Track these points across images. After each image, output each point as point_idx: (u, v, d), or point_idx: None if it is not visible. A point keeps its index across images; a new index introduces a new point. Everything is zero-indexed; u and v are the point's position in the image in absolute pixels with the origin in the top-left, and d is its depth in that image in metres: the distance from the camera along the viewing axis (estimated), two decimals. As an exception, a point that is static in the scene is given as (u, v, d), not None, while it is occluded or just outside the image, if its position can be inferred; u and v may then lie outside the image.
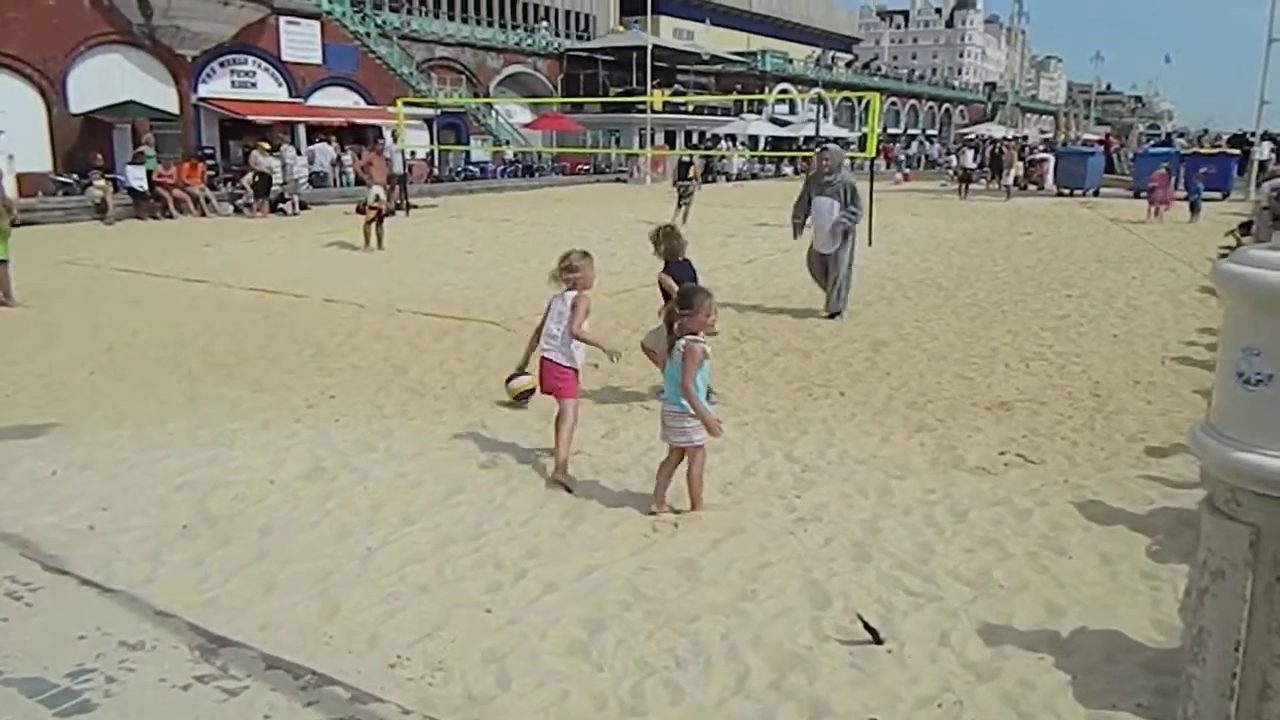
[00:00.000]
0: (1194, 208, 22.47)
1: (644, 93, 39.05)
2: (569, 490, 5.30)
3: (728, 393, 7.35)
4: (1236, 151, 32.02)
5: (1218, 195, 26.77)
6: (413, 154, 30.41)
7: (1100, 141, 44.01)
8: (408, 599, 4.03)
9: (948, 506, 5.09)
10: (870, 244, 16.57)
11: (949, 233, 19.50)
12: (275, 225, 21.16)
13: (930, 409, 6.99)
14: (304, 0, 33.42)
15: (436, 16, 43.41)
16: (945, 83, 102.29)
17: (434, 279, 13.29)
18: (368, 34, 35.97)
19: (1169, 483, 5.44)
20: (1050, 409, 6.98)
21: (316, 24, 33.63)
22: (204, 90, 30.37)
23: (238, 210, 23.88)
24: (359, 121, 34.27)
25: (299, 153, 29.08)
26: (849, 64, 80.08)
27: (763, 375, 8.02)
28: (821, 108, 50.95)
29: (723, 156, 41.77)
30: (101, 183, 22.13)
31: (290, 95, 32.90)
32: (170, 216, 22.58)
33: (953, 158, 41.55)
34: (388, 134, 31.50)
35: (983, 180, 34.12)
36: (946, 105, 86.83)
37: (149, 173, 22.81)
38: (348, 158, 30.90)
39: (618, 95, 42.40)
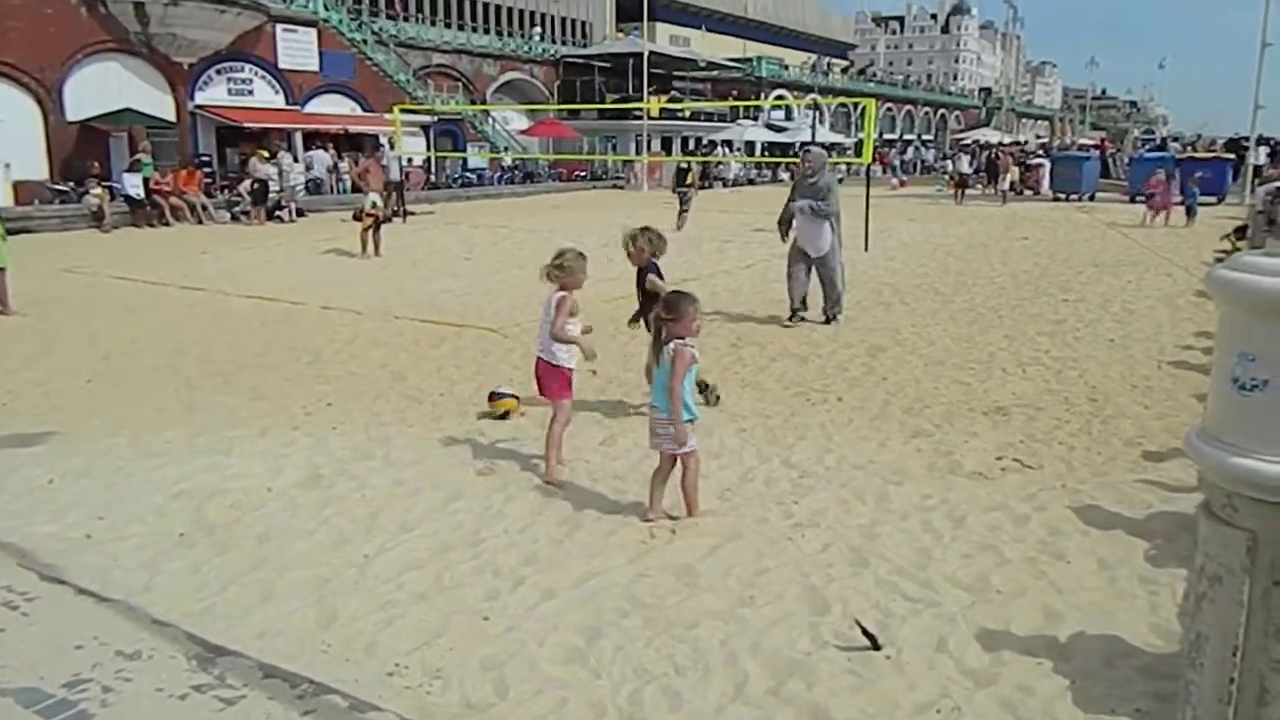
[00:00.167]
0: (1189, 212, 22.56)
1: (640, 99, 39.13)
2: (559, 486, 5.37)
3: (725, 398, 7.36)
4: (1231, 156, 32.12)
5: (1213, 199, 26.86)
6: (410, 161, 30.43)
7: (1095, 146, 44.16)
8: (406, 606, 4.02)
9: (945, 512, 5.09)
10: (866, 250, 16.61)
11: (945, 238, 19.53)
12: (272, 233, 21.17)
13: (927, 414, 7.00)
14: (301, 8, 33.48)
15: (433, 24, 43.46)
16: (940, 88, 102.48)
17: (431, 286, 13.29)
18: (364, 41, 36.01)
19: (1166, 487, 5.44)
20: (1047, 414, 6.99)
21: (313, 31, 33.66)
22: (201, 98, 30.38)
23: (235, 218, 23.91)
24: (356, 129, 34.27)
25: (296, 160, 29.12)
26: (845, 70, 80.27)
27: (760, 381, 8.02)
28: (817, 114, 51.10)
29: (719, 162, 41.81)
30: (98, 191, 22.15)
31: (287, 102, 32.91)
32: (167, 224, 22.59)
33: (948, 163, 41.65)
34: (386, 142, 31.55)
35: (979, 185, 34.21)
36: (942, 111, 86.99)
37: (146, 180, 22.83)
38: (344, 165, 30.91)
39: (614, 102, 42.48)
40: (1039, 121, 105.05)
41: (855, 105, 52.22)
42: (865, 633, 3.70)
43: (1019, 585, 4.23)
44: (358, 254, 16.22)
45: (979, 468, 5.82)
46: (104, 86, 27.28)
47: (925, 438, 6.44)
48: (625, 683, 3.46)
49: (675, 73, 50.96)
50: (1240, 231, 16.29)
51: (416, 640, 3.74)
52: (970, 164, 35.36)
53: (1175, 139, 63.40)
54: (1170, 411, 7.04)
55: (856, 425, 6.74)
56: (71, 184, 24.41)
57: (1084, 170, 31.17)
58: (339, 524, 4.92)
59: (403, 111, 26.85)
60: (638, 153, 41.30)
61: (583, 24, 53.84)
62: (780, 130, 54.29)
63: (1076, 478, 5.66)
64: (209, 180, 27.30)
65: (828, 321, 10.27)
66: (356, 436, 6.43)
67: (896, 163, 52.79)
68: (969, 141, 56.77)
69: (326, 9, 34.62)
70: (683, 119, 47.03)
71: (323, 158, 31.25)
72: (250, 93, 31.97)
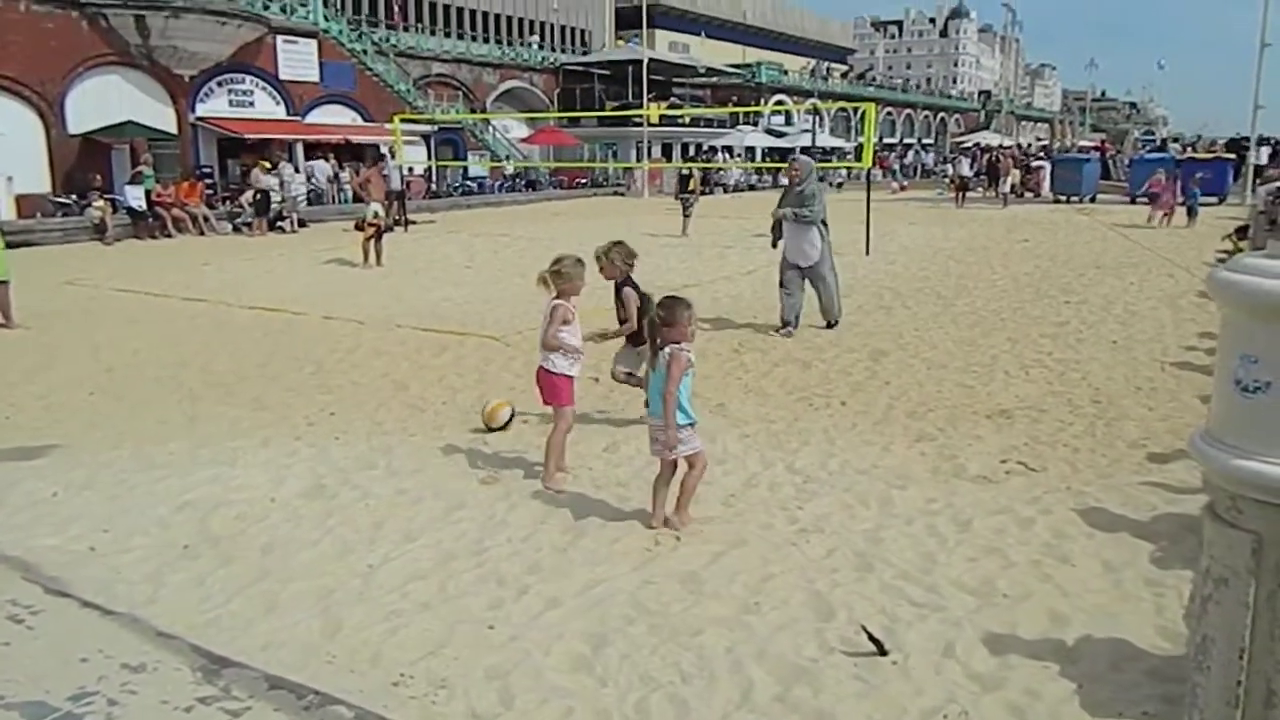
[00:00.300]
0: (1191, 212, 22.57)
1: (640, 106, 39.18)
2: (558, 493, 5.38)
3: (728, 404, 7.35)
4: (1232, 156, 32.12)
5: (1214, 200, 26.86)
6: (410, 170, 30.49)
7: (1096, 148, 44.18)
8: (410, 616, 4.02)
9: (950, 516, 5.08)
10: (868, 254, 16.62)
11: (946, 241, 19.53)
12: (274, 243, 21.20)
13: (931, 418, 6.99)
14: (301, 19, 33.59)
15: (433, 33, 43.58)
16: (940, 92, 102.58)
17: (433, 294, 13.30)
18: (364, 51, 36.12)
19: (1171, 488, 5.43)
20: (1051, 416, 6.98)
21: (314, 42, 33.78)
22: (202, 109, 30.48)
23: (236, 229, 23.93)
24: (357, 139, 34.35)
25: (297, 170, 29.18)
26: (844, 75, 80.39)
27: (763, 386, 8.02)
28: (817, 118, 51.20)
29: (720, 168, 41.86)
30: (100, 203, 22.18)
31: (288, 113, 33.03)
32: (169, 236, 22.62)
33: (949, 166, 41.66)
34: (387, 151, 31.63)
35: (979, 188, 34.22)
36: (942, 114, 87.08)
37: (148, 192, 22.88)
38: (345, 174, 30.97)
39: (614, 109, 42.54)
40: (1039, 124, 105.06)
41: (855, 109, 52.31)
42: (871, 638, 3.69)
43: (1025, 589, 4.22)
44: (359, 263, 16.24)
45: (983, 471, 5.82)
46: (105, 99, 27.38)
47: (929, 441, 6.43)
48: (631, 691, 3.45)
49: (675, 79, 51.01)
50: (1242, 231, 16.29)
51: (421, 650, 3.73)
52: (971, 167, 35.37)
53: (1175, 140, 63.43)
54: (1174, 413, 7.03)
55: (860, 430, 6.73)
56: (73, 197, 24.46)
57: (1084, 172, 31.19)
58: (342, 534, 4.92)
59: (403, 121, 26.89)
60: (638, 159, 41.36)
61: (582, 32, 53.98)
62: (780, 135, 54.33)
63: (1081, 480, 5.65)
64: (210, 192, 27.34)
65: (829, 326, 10.27)
66: (359, 446, 6.43)
67: (896, 166, 52.79)
68: (969, 144, 56.83)
69: (326, 20, 34.77)
70: (683, 125, 47.05)
71: (323, 168, 31.31)
72: (251, 104, 32.09)
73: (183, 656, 3.66)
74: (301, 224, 24.61)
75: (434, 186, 36.14)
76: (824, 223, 10.04)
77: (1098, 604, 4.07)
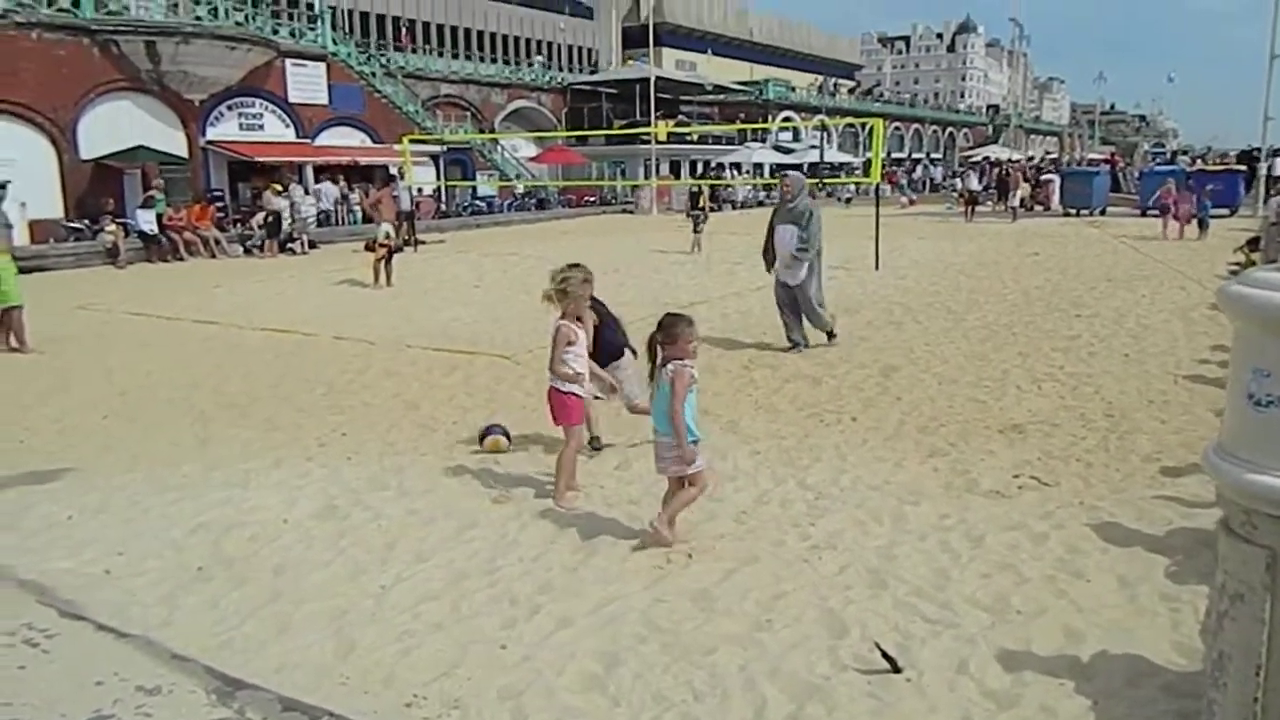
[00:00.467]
0: (1202, 224, 22.51)
1: (648, 124, 39.33)
2: (569, 510, 5.41)
3: (739, 420, 7.34)
4: (1243, 168, 32.03)
5: (1225, 211, 26.77)
6: (420, 190, 30.63)
7: (1105, 161, 44.07)
8: (422, 637, 4.02)
9: (963, 531, 5.06)
10: (877, 269, 16.62)
11: (956, 255, 19.51)
12: (284, 265, 21.31)
13: (942, 433, 6.97)
14: (310, 43, 33.86)
15: (440, 54, 43.92)
16: (948, 106, 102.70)
17: (442, 314, 13.34)
18: (373, 74, 36.36)
19: (1186, 503, 5.40)
20: (1063, 430, 6.95)
21: (322, 65, 34.02)
22: (212, 133, 30.69)
23: (247, 251, 24.10)
24: (366, 160, 34.56)
25: (307, 192, 29.36)
26: (851, 90, 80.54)
27: (773, 403, 8.01)
28: (825, 134, 51.31)
29: (728, 185, 41.96)
30: (112, 227, 22.36)
31: (297, 136, 33.23)
32: (181, 259, 22.79)
33: (958, 181, 41.63)
34: (397, 172, 31.80)
35: (989, 202, 34.20)
36: (950, 129, 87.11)
37: (159, 216, 23.09)
38: (354, 196, 31.13)
39: (622, 127, 42.72)
40: (1047, 137, 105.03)
41: (863, 125, 52.44)
42: (885, 655, 3.67)
43: (1039, 605, 4.19)
44: (369, 284, 16.31)
45: (996, 486, 5.79)
46: (117, 125, 27.61)
47: (941, 457, 6.41)
48: (644, 710, 3.44)
49: (682, 97, 51.23)
50: (1253, 243, 16.20)
51: (434, 671, 3.73)
52: (980, 181, 35.36)
53: (1185, 152, 63.30)
54: (1187, 426, 6.99)
55: (871, 445, 6.72)
56: (86, 221, 24.66)
57: (1094, 185, 31.16)
58: (355, 555, 4.92)
59: (412, 142, 27.05)
60: (646, 177, 41.48)
61: (589, 51, 54.30)
62: (788, 151, 54.45)
63: (1094, 495, 5.62)
64: (221, 214, 27.54)
65: (830, 338, 10.23)
66: (371, 466, 6.45)
67: (905, 181, 52.82)
68: (978, 159, 56.83)
69: (335, 43, 35.05)
70: (691, 143, 47.21)
71: (330, 190, 31.48)
72: (261, 127, 32.30)
73: (197, 679, 3.66)
74: (312, 245, 24.75)
75: (443, 206, 36.30)
76: (818, 253, 10.04)
77: (1113, 619, 4.04)
